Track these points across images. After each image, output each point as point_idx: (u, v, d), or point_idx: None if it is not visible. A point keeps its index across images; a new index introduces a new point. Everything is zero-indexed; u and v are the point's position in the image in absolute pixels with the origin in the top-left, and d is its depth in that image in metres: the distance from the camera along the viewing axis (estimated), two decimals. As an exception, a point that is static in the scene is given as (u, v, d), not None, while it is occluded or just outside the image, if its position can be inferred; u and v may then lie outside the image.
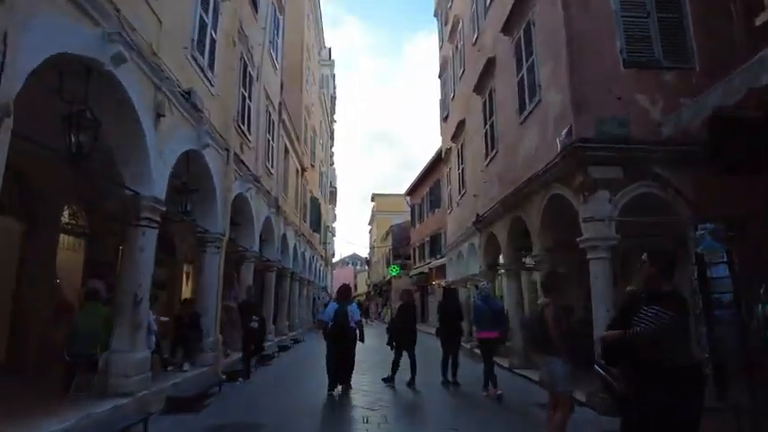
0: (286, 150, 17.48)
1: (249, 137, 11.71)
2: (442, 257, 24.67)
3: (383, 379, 8.67)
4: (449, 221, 18.73)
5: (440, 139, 20.78)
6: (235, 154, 10.32)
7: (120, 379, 5.75)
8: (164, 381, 6.94)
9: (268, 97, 14.23)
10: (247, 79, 11.67)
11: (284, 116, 16.30)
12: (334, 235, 54.88)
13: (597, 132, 7.10)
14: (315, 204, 25.57)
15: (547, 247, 8.75)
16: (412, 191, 33.75)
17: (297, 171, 20.31)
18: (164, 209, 6.61)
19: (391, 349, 8.96)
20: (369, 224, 66.04)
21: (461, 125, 15.13)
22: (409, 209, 36.89)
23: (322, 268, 33.66)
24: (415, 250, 33.40)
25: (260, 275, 16.40)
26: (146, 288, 6.31)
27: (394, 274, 35.25)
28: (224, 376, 9.05)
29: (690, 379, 2.91)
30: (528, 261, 10.60)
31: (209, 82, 8.81)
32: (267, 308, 14.86)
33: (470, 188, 14.19)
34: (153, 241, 6.48)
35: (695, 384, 2.94)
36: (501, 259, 12.46)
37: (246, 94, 11.56)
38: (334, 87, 44.99)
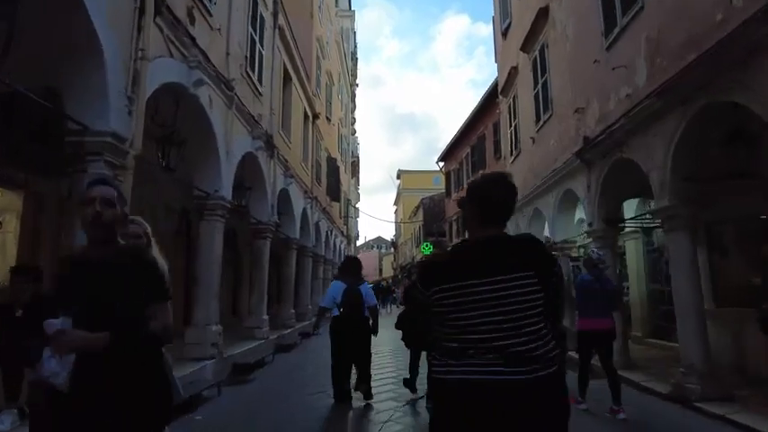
0: (286, 75, 12.70)
1: (207, 4, 6.94)
2: (489, 230, 19.72)
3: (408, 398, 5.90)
4: (512, 174, 13.68)
5: (472, 106, 15.72)
6: (173, 17, 5.62)
7: None
8: None
9: (252, -22, 9.44)
10: None
11: (282, 22, 11.48)
12: (357, 215, 50.58)
13: None
14: (332, 166, 20.83)
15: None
16: (447, 155, 28.64)
17: (306, 114, 15.54)
18: None
19: (407, 346, 6.01)
20: (394, 204, 61.47)
21: (542, 16, 10.03)
22: (437, 186, 32.09)
23: (343, 246, 29.03)
24: (451, 225, 28.43)
25: (244, 244, 11.85)
26: None
27: (426, 253, 30.38)
28: None
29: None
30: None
31: None
32: (259, 288, 10.24)
33: (563, 104, 9.16)
34: None
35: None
36: (627, 211, 7.51)
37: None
38: (356, 45, 40.03)
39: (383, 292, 29.24)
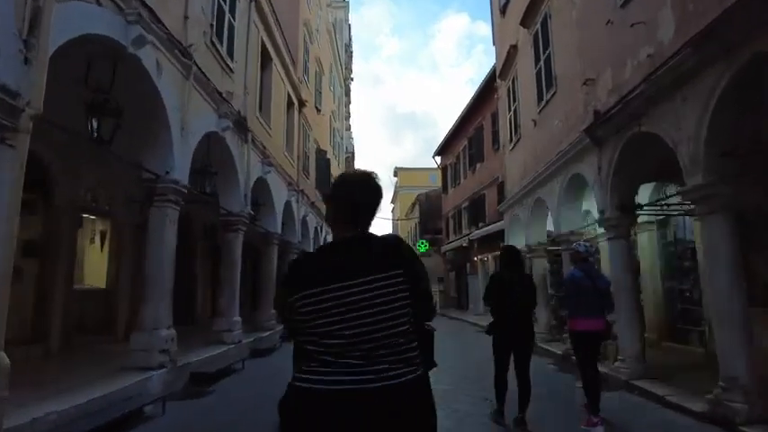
0: (266, 55, 11.66)
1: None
2: (487, 225, 18.81)
3: None
4: (510, 163, 12.68)
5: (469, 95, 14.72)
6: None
7: None
8: None
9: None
10: None
11: (259, -6, 10.45)
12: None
13: None
14: (322, 159, 19.79)
15: None
16: (443, 149, 27.67)
17: (290, 100, 14.49)
18: None
19: None
20: (391, 202, 60.42)
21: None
22: (434, 183, 31.14)
23: (336, 245, 27.89)
24: (447, 222, 27.47)
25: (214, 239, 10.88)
26: None
27: (422, 250, 29.35)
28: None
29: None
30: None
31: None
32: (230, 287, 9.20)
33: (568, 79, 8.14)
34: None
35: None
36: (641, 197, 6.52)
37: None
38: (350, 38, 39.03)
39: None
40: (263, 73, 11.83)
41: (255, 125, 10.41)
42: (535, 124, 10.00)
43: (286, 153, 13.83)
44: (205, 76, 7.51)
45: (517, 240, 12.08)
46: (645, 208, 6.81)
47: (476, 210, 21.32)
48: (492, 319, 4.74)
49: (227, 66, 8.75)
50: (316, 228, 19.39)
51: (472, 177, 21.92)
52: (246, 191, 9.52)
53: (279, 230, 12.28)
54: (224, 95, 8.37)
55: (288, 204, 13.67)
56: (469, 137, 22.01)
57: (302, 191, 15.70)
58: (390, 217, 58.55)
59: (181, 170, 6.62)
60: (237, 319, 9.21)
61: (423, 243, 29.95)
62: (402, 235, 47.73)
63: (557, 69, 8.74)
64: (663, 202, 6.92)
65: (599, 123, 6.73)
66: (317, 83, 19.97)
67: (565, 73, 8.36)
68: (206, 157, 8.16)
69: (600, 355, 6.19)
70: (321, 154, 19.74)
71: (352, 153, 38.71)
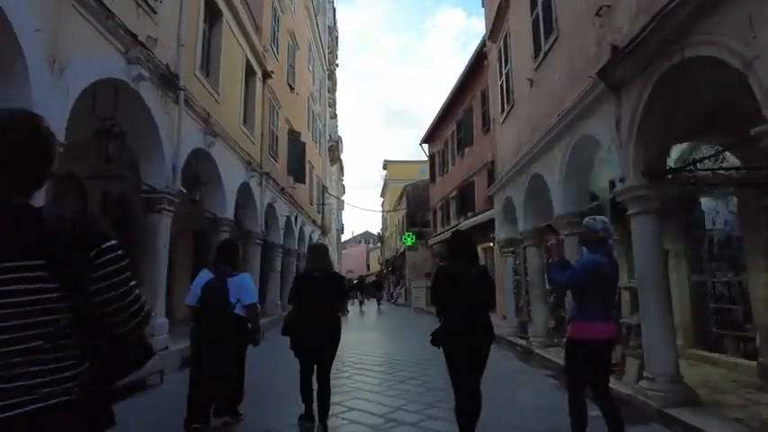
0: (214, 7, 9.84)
1: None
2: (476, 215, 17.18)
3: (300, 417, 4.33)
4: (501, 138, 10.96)
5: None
6: None
7: None
8: None
9: None
10: None
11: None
12: (342, 207, 47.99)
13: None
14: (295, 141, 17.96)
15: None
16: (431, 135, 25.94)
17: (249, 68, 12.62)
18: None
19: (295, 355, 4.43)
20: (381, 196, 58.79)
21: None
22: (424, 176, 29.49)
23: (316, 236, 26.15)
24: (435, 213, 25.79)
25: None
26: None
27: (409, 244, 27.70)
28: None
29: None
30: None
31: None
32: (151, 281, 7.37)
33: (575, 16, 6.43)
34: None
35: None
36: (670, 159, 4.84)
37: None
38: (335, 21, 37.18)
39: (371, 287, 28.26)
40: (211, 29, 10.03)
41: (195, 85, 8.62)
42: (531, 85, 8.27)
43: (244, 128, 12.01)
44: (105, 7, 5.72)
45: (509, 228, 10.40)
46: (683, 170, 5.10)
47: (464, 199, 19.67)
48: (438, 326, 3.64)
49: (147, 4, 6.94)
50: (288, 217, 17.59)
51: (461, 163, 20.26)
52: (177, 162, 7.71)
53: (230, 215, 10.46)
54: (140, 39, 6.59)
55: (245, 187, 11.88)
56: (458, 120, 20.33)
57: (267, 173, 13.89)
58: (380, 210, 56.99)
59: (52, 121, 4.82)
60: (164, 320, 7.44)
61: (409, 236, 28.31)
62: (390, 229, 46.38)
63: (558, 10, 7.02)
64: (696, 166, 5.24)
65: (618, 60, 5.01)
66: (290, 57, 18.13)
67: (570, 10, 6.64)
68: (114, 114, 6.38)
69: (615, 367, 4.72)
70: (294, 136, 17.90)
71: (337, 142, 36.93)
